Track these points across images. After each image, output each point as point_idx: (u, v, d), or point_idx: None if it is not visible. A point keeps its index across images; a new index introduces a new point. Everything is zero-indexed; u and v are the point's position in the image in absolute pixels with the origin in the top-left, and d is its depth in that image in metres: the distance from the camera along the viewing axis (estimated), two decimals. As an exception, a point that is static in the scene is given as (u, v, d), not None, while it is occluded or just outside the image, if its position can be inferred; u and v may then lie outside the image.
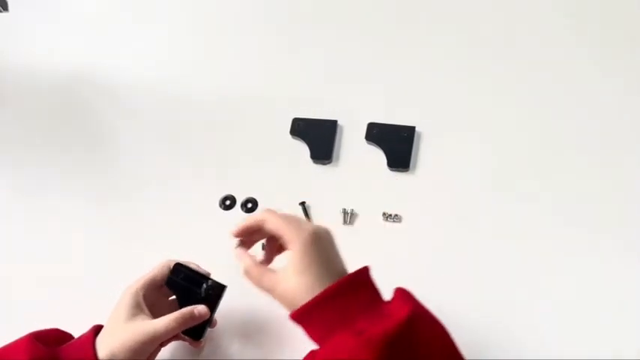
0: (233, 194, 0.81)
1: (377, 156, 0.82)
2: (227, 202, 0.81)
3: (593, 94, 0.84)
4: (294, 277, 0.55)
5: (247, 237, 0.62)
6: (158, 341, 0.62)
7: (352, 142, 0.84)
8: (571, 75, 0.86)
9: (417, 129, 0.83)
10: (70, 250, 0.80)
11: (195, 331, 0.66)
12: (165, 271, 0.67)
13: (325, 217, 0.78)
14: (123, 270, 0.76)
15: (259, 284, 0.58)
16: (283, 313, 0.56)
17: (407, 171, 0.81)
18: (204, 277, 0.67)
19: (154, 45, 0.98)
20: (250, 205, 0.81)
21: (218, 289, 0.67)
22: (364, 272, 0.57)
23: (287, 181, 0.82)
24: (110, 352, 0.60)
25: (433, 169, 0.81)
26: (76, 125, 0.91)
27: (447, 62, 0.89)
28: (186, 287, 0.66)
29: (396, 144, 0.82)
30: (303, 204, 0.79)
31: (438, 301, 0.70)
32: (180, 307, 0.65)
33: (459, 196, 0.78)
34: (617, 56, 0.86)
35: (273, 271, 0.57)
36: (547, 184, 0.78)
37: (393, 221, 0.77)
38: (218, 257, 0.66)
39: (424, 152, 0.82)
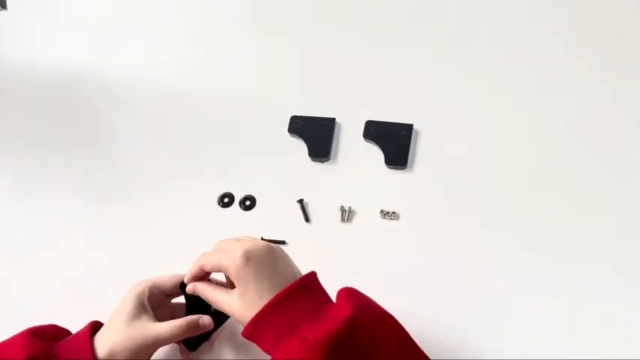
0: (231, 192, 0.82)
1: (375, 154, 0.82)
2: (225, 200, 0.81)
3: (593, 94, 0.83)
4: (237, 299, 0.57)
5: (201, 279, 0.63)
6: (159, 345, 0.62)
7: (350, 140, 0.84)
8: (571, 75, 0.85)
9: (414, 127, 0.83)
10: (70, 250, 0.80)
11: (191, 342, 0.65)
12: (175, 281, 0.66)
13: (323, 215, 0.79)
14: (123, 270, 0.77)
15: (221, 309, 0.60)
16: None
17: (405, 169, 0.81)
18: None
19: (154, 45, 0.98)
20: (248, 202, 0.81)
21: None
22: (308, 278, 0.58)
23: (285, 179, 0.82)
24: (109, 351, 0.59)
25: (431, 167, 0.80)
26: (75, 125, 0.91)
27: (445, 61, 0.89)
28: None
29: (394, 142, 0.81)
30: (301, 201, 0.79)
31: (435, 298, 0.71)
32: (187, 314, 0.64)
33: (456, 194, 0.78)
34: (618, 57, 0.86)
35: (229, 294, 0.59)
36: (546, 183, 0.77)
37: (391, 219, 0.77)
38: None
39: (422, 150, 0.82)
